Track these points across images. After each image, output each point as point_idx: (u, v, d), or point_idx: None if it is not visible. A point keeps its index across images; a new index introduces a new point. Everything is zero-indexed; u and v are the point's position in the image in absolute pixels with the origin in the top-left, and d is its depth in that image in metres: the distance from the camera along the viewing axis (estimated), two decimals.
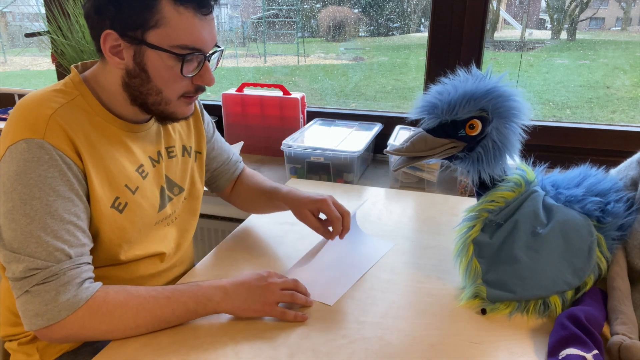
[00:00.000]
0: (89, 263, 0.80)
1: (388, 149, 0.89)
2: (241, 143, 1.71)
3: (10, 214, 0.75)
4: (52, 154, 0.76)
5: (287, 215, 1.13)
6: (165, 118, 0.89)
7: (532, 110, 0.83)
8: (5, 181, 0.76)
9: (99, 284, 0.79)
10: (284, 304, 0.86)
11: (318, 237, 1.07)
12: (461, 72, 0.85)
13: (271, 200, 1.12)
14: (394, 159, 1.46)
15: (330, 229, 1.03)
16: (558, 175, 0.95)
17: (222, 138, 1.17)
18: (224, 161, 1.16)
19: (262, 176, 1.20)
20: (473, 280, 0.88)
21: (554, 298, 0.84)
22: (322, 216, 1.04)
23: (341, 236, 1.02)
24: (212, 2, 0.82)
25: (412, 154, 0.85)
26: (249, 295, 0.84)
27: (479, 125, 0.82)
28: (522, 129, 0.85)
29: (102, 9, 0.78)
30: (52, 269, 0.74)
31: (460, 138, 0.83)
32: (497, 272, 0.87)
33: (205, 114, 1.11)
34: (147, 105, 0.86)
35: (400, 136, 1.56)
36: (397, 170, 0.90)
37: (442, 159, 0.87)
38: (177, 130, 1.02)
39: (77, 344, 0.93)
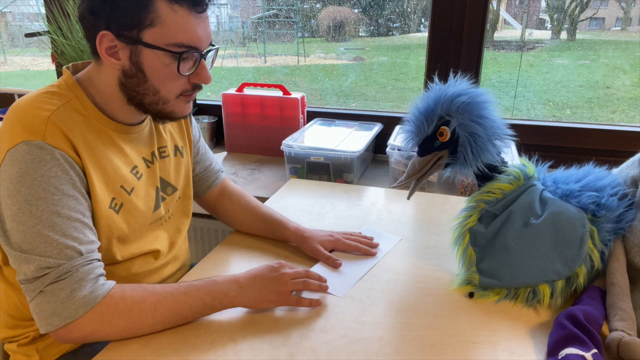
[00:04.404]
0: (99, 260, 0.80)
1: (394, 184, 1.00)
2: (225, 153, 1.70)
3: (17, 217, 0.75)
4: (54, 154, 0.76)
5: (287, 215, 1.13)
6: (164, 117, 0.89)
7: (486, 93, 0.89)
8: (9, 185, 0.75)
9: (113, 282, 0.79)
10: (297, 293, 0.88)
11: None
12: (424, 91, 0.92)
13: (272, 230, 1.10)
14: (393, 168, 1.46)
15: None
16: (561, 172, 0.96)
17: (206, 144, 1.17)
18: (206, 167, 1.15)
19: (254, 198, 1.18)
20: (467, 268, 0.92)
21: (543, 287, 0.86)
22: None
23: (373, 252, 1.06)
24: (207, 0, 0.82)
25: (410, 179, 0.95)
26: (263, 287, 0.85)
27: (446, 130, 0.89)
28: (491, 112, 0.88)
29: (97, 9, 0.78)
30: (65, 266, 0.74)
31: (439, 148, 0.90)
32: (490, 260, 0.90)
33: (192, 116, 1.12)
34: (144, 105, 0.86)
35: (400, 136, 1.56)
36: (410, 198, 0.99)
37: (443, 169, 0.93)
38: (168, 130, 1.02)
39: (76, 345, 0.93)
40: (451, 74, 0.92)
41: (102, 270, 0.79)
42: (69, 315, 0.73)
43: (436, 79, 0.92)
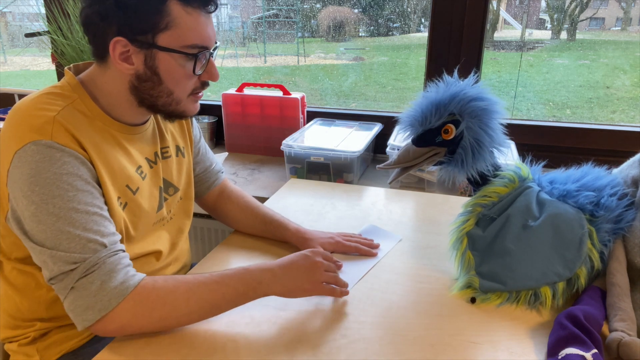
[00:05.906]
0: (124, 250, 0.80)
1: (380, 165, 0.95)
2: (226, 154, 1.70)
3: (35, 217, 0.74)
4: (63, 152, 0.76)
5: (287, 215, 1.13)
6: (175, 117, 0.90)
7: (502, 104, 0.87)
8: (22, 186, 0.75)
9: (143, 274, 0.78)
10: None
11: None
12: (436, 82, 0.90)
13: (273, 231, 1.10)
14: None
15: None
16: (558, 173, 0.96)
17: (206, 145, 1.17)
18: (206, 168, 1.14)
19: (253, 198, 1.18)
20: (466, 272, 0.91)
21: (544, 289, 0.86)
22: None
23: (374, 253, 1.06)
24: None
25: (399, 165, 0.92)
26: (297, 276, 0.85)
27: (452, 129, 0.87)
28: (499, 123, 0.88)
29: (108, 15, 0.78)
30: (91, 259, 0.74)
31: (439, 144, 0.88)
32: (490, 264, 0.89)
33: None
34: (156, 106, 0.86)
35: (399, 136, 1.56)
36: (392, 182, 0.95)
37: (433, 165, 0.92)
38: (170, 131, 1.02)
39: (76, 344, 0.93)
40: (473, 72, 0.90)
41: (129, 261, 0.79)
42: (102, 307, 0.73)
43: (456, 74, 0.90)
